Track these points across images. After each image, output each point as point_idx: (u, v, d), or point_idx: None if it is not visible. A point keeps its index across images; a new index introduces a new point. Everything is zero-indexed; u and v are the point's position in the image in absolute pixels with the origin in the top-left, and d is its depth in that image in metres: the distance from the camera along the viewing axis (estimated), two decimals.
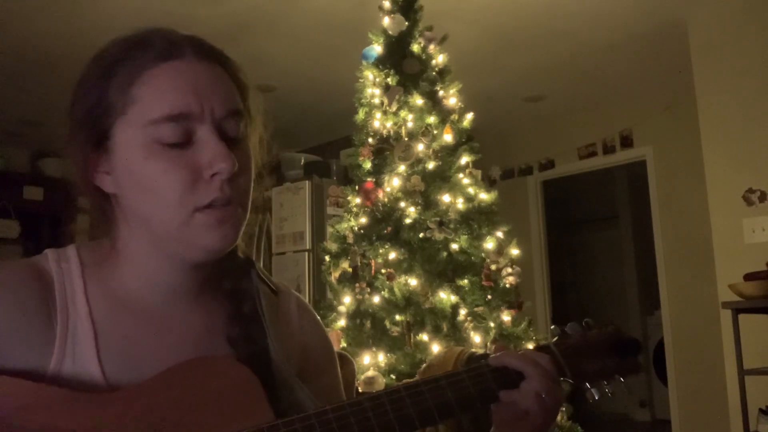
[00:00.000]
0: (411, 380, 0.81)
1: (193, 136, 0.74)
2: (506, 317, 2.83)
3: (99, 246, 0.82)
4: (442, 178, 2.98)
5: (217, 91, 0.76)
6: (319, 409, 0.72)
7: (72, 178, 0.79)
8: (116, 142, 0.75)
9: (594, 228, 7.09)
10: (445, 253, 2.86)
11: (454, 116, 3.12)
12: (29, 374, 0.70)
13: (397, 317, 2.82)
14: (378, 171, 3.04)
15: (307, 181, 4.55)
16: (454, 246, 2.88)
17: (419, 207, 2.91)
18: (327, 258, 3.10)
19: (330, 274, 3.05)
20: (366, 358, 2.75)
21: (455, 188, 2.96)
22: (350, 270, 2.95)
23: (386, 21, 3.15)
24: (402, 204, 2.93)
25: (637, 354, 0.93)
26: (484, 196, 3.02)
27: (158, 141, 0.73)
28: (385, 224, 2.94)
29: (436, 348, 2.69)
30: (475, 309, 2.80)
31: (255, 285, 0.85)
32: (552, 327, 0.94)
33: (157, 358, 0.75)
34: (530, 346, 2.81)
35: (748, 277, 3.10)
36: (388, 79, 3.08)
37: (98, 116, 0.76)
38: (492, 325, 2.76)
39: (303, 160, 4.94)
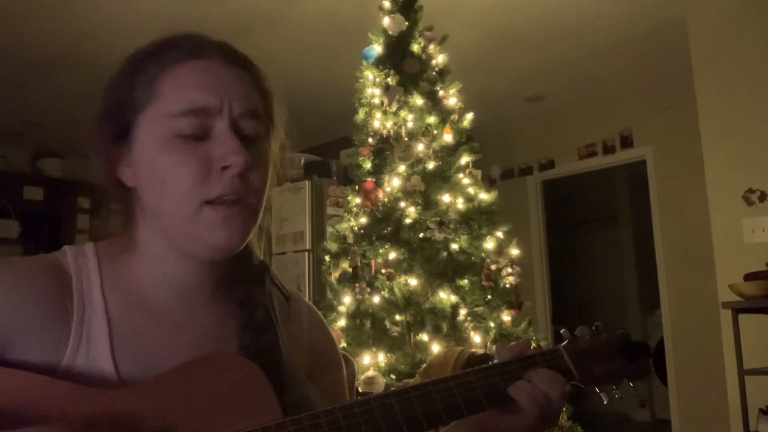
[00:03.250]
0: (412, 382, 0.81)
1: (210, 131, 0.76)
2: (506, 317, 2.83)
3: (116, 243, 0.83)
4: (442, 178, 2.98)
5: (237, 90, 0.78)
6: (327, 408, 0.72)
7: (96, 171, 0.81)
8: (137, 136, 0.78)
9: (594, 228, 7.09)
10: (445, 253, 2.86)
11: (454, 116, 3.12)
12: (43, 368, 0.71)
13: (397, 317, 2.82)
14: (378, 171, 3.04)
15: (307, 181, 4.55)
16: (454, 246, 2.88)
17: (419, 207, 2.91)
18: (327, 258, 3.10)
19: (330, 274, 3.05)
20: (366, 358, 2.75)
21: (455, 188, 2.96)
22: (350, 270, 2.95)
23: (386, 21, 3.15)
24: (402, 204, 2.93)
25: (646, 357, 0.93)
26: (484, 196, 3.02)
27: (176, 134, 0.75)
28: (385, 224, 2.94)
29: (436, 348, 2.69)
30: (475, 309, 2.80)
31: (268, 289, 0.86)
32: (562, 330, 0.94)
33: (170, 354, 0.76)
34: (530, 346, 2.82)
35: (748, 277, 3.10)
36: (388, 79, 3.08)
37: (122, 110, 0.78)
38: (492, 325, 2.77)
39: (303, 160, 4.94)
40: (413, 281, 2.81)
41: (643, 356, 0.93)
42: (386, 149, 3.05)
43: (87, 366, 0.73)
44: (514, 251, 2.99)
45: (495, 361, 0.86)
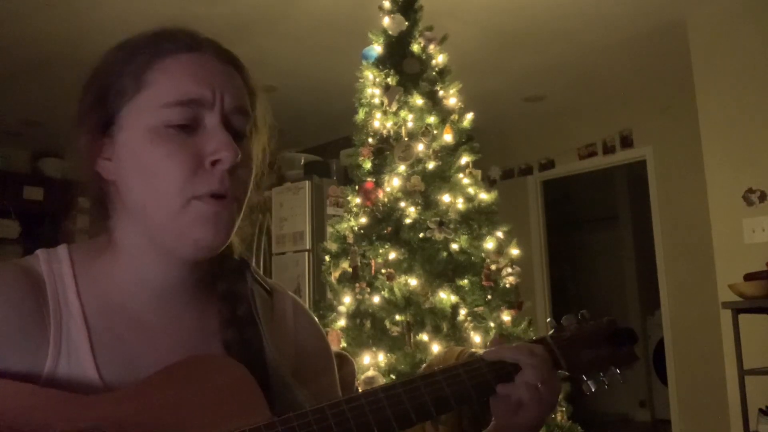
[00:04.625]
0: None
1: (201, 123, 0.75)
2: (506, 317, 2.83)
3: (91, 245, 0.81)
4: (442, 178, 2.98)
5: (229, 86, 0.78)
6: (316, 406, 0.72)
7: (73, 164, 0.79)
8: (123, 126, 0.76)
9: (594, 228, 7.09)
10: (445, 253, 2.86)
11: (454, 116, 3.12)
12: (25, 377, 0.70)
13: (397, 317, 2.82)
14: (378, 171, 3.04)
15: (307, 181, 4.55)
16: (454, 246, 2.88)
17: (419, 207, 2.91)
18: (327, 258, 3.10)
19: (330, 274, 3.05)
20: (366, 358, 2.75)
21: (455, 188, 2.96)
22: (350, 270, 2.95)
23: (386, 21, 3.15)
24: (402, 204, 2.93)
25: (633, 344, 0.93)
26: (484, 196, 3.02)
27: (166, 124, 0.74)
28: (385, 224, 2.94)
29: (436, 348, 2.69)
30: (475, 309, 2.80)
31: (249, 286, 0.85)
32: (548, 320, 0.94)
33: (152, 357, 0.75)
34: None
35: (748, 277, 3.10)
36: (388, 79, 3.08)
37: (109, 100, 0.76)
38: (492, 325, 2.76)
39: (303, 160, 4.94)
40: (413, 281, 2.81)
41: (630, 343, 0.93)
42: (386, 149, 3.05)
43: (69, 373, 0.71)
44: (514, 251, 2.99)
45: None
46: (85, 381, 0.72)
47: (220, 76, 0.77)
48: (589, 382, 0.90)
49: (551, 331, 0.92)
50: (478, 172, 3.09)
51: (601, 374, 0.91)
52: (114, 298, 0.78)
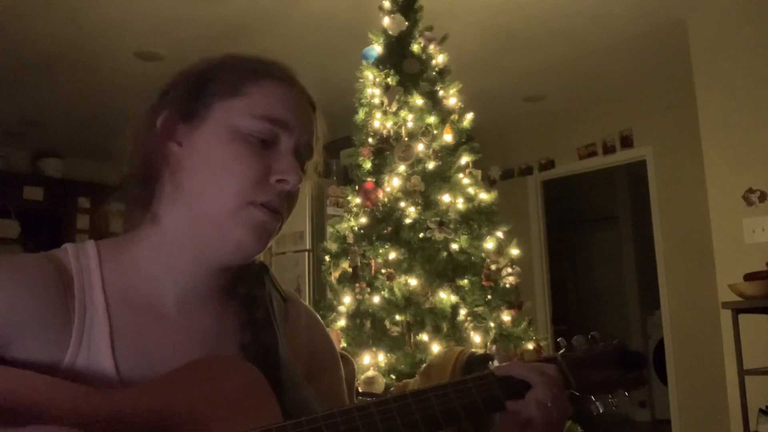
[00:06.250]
0: (413, 382, 0.82)
1: (277, 142, 0.83)
2: (506, 317, 2.83)
3: (119, 241, 0.84)
4: (442, 178, 2.98)
5: (307, 123, 0.87)
6: (327, 411, 0.73)
7: (139, 139, 0.84)
8: (209, 119, 0.82)
9: (594, 228, 7.09)
10: (445, 253, 2.86)
11: (454, 116, 3.12)
12: (44, 367, 0.71)
13: (397, 317, 2.82)
14: (378, 171, 3.04)
15: (307, 181, 4.55)
16: (454, 246, 2.88)
17: (419, 207, 2.91)
18: (327, 258, 3.10)
19: (330, 274, 3.05)
20: (366, 358, 2.75)
21: (455, 188, 2.96)
22: (350, 270, 2.95)
23: (386, 21, 3.15)
24: (402, 204, 2.93)
25: (642, 368, 0.94)
26: (484, 196, 3.02)
27: (249, 132, 0.81)
28: (385, 224, 2.94)
29: (436, 348, 2.69)
30: (475, 309, 2.80)
31: (268, 291, 0.88)
32: (559, 339, 0.95)
33: (169, 354, 0.77)
34: (530, 346, 2.83)
35: (748, 277, 3.10)
36: (388, 79, 3.08)
37: (204, 94, 0.83)
38: (492, 325, 2.77)
39: None
40: (413, 281, 2.81)
41: (639, 367, 0.94)
42: (386, 149, 3.05)
43: (88, 366, 0.73)
44: (514, 251, 2.99)
45: (495, 362, 0.86)
46: (101, 373, 0.73)
47: (303, 111, 0.87)
48: (597, 403, 0.91)
49: (561, 351, 0.92)
50: (478, 172, 3.09)
51: (610, 396, 0.92)
52: (139, 293, 0.80)
